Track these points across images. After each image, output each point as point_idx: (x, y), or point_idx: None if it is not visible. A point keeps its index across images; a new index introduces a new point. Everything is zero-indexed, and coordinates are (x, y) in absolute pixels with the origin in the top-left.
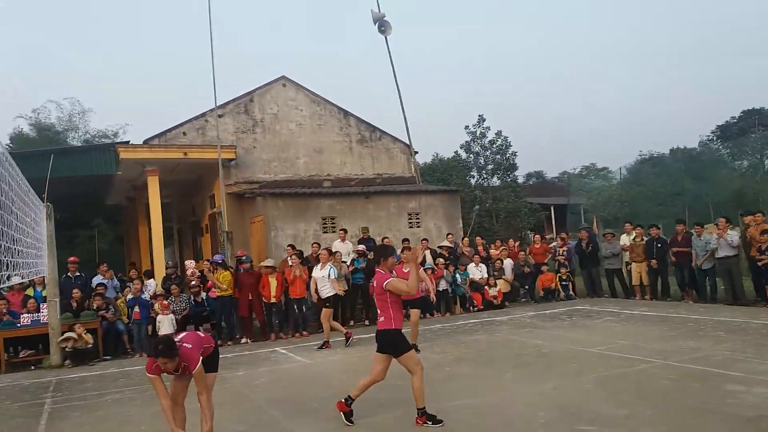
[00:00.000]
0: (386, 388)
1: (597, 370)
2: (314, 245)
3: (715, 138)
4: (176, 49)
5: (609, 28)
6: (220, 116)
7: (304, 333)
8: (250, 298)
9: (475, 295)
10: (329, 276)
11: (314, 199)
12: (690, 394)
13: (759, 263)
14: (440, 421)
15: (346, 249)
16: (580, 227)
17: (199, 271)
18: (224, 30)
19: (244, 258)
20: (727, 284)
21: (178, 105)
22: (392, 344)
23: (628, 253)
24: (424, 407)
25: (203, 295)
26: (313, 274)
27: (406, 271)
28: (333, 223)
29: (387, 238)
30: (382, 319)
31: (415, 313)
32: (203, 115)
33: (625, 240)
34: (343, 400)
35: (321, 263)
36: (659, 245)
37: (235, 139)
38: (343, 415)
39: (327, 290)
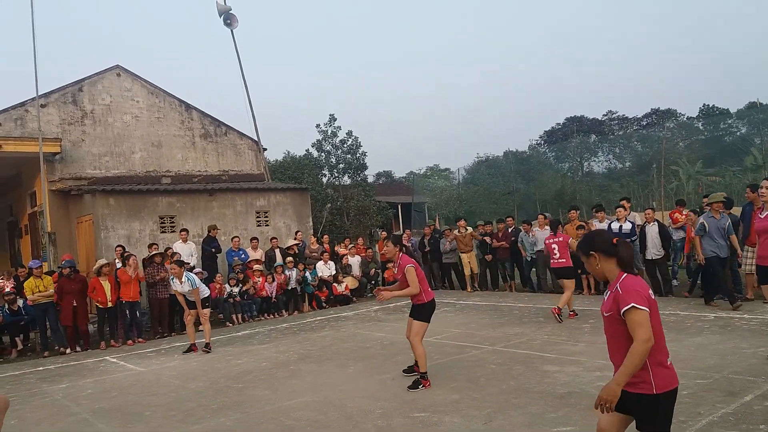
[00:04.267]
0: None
1: (433, 359)
2: (153, 246)
3: (542, 142)
4: None
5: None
6: (42, 106)
7: (139, 340)
8: (75, 304)
9: (324, 292)
10: (192, 287)
11: (151, 196)
12: (513, 376)
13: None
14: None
15: (188, 250)
16: (425, 224)
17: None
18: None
19: (63, 263)
20: (542, 274)
21: None
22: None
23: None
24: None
25: (20, 302)
26: (176, 289)
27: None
28: (172, 222)
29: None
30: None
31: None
32: (23, 104)
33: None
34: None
35: (177, 278)
36: (490, 241)
37: (61, 132)
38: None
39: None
